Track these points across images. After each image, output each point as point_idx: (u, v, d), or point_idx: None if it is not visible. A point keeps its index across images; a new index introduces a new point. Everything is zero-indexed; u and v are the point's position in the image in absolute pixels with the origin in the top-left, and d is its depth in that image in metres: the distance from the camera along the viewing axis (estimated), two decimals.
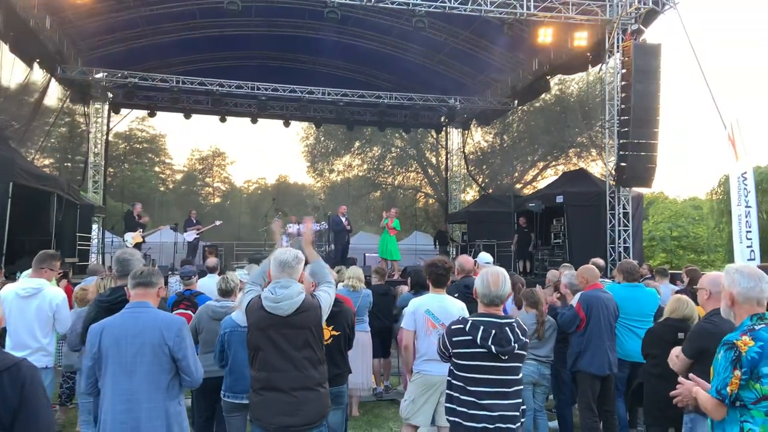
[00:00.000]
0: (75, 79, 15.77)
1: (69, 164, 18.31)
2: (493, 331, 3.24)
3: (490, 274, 3.41)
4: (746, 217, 10.87)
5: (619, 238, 12.87)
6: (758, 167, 17.73)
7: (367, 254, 17.19)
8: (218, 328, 4.75)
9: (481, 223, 18.02)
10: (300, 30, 17.00)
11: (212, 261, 7.86)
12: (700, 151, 65.63)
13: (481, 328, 3.25)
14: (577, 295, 5.42)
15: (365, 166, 31.28)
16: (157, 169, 42.12)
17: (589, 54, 14.61)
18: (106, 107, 18.31)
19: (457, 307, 4.55)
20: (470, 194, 25.97)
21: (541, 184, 26.21)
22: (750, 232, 10.78)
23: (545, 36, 13.78)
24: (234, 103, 19.09)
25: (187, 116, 19.05)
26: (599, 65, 14.57)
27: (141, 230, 12.89)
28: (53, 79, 15.04)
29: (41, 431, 2.09)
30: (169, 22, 15.97)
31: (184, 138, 77.65)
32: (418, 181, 31.79)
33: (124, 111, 19.44)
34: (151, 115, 19.09)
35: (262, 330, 3.27)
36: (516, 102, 19.04)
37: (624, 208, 13.02)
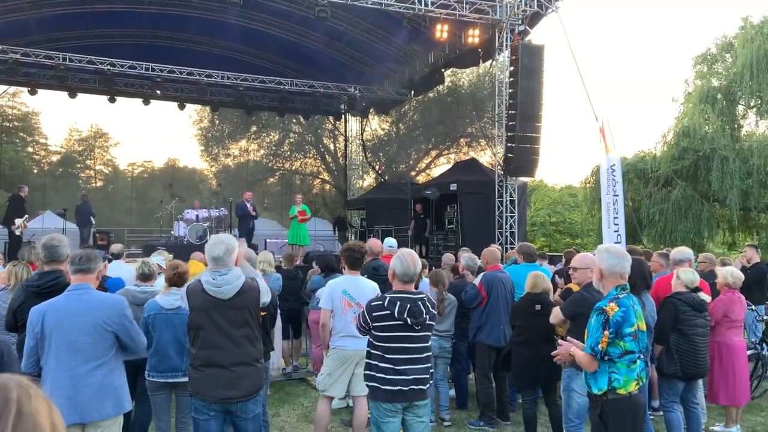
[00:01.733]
0: None
1: None
2: (408, 305, 3.70)
3: (406, 255, 3.83)
4: (614, 204, 12.13)
5: (506, 223, 13.89)
6: (625, 158, 19.67)
7: (267, 240, 17.23)
8: (139, 313, 4.86)
9: (379, 209, 18.43)
10: (195, 11, 16.56)
11: (117, 247, 7.75)
12: (575, 143, 71.24)
13: (398, 303, 3.70)
14: (480, 275, 6.06)
15: (262, 152, 30.88)
16: (30, 149, 38.97)
17: (480, 50, 15.55)
18: None
19: (371, 287, 4.98)
20: (367, 181, 26.54)
21: (435, 171, 27.35)
22: (617, 218, 12.05)
23: (441, 31, 14.50)
24: (125, 83, 18.25)
25: (72, 95, 17.98)
26: (489, 61, 15.56)
27: (27, 216, 12.13)
28: None
29: None
30: None
31: (61, 117, 71.84)
32: (316, 168, 31.91)
33: (0, 87, 17.94)
34: (32, 92, 17.79)
35: (204, 311, 3.51)
36: (412, 92, 19.77)
37: (511, 196, 14.02)
